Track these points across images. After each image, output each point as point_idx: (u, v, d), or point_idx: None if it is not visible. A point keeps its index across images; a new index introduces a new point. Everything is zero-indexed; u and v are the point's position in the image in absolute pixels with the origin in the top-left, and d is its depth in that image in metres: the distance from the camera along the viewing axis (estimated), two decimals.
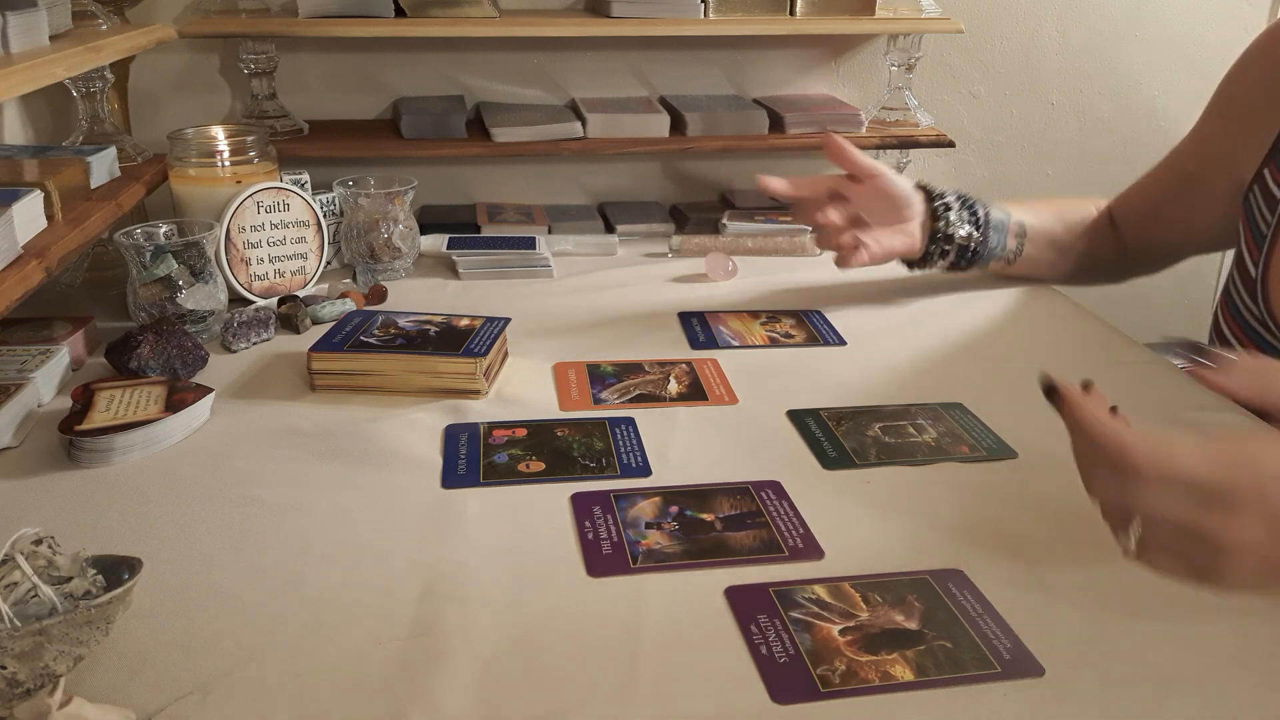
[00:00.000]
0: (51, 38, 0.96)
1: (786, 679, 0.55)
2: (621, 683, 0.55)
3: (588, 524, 0.70)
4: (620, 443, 0.81)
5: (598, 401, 0.88)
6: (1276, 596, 0.56)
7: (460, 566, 0.65)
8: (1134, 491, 0.51)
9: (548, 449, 0.80)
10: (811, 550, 0.67)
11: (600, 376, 0.93)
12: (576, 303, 1.12)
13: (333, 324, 0.97)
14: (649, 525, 0.70)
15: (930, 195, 1.05)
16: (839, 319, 1.06)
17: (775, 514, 0.71)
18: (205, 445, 0.80)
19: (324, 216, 1.14)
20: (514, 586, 0.63)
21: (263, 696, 0.54)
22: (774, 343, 1.01)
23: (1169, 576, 0.53)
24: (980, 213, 1.05)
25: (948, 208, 1.04)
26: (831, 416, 0.86)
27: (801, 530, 0.69)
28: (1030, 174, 1.60)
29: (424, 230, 1.24)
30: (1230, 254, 0.97)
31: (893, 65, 1.43)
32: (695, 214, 1.41)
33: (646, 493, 0.74)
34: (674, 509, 0.72)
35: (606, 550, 0.67)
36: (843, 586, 0.63)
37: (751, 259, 1.25)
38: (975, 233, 1.05)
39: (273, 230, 1.09)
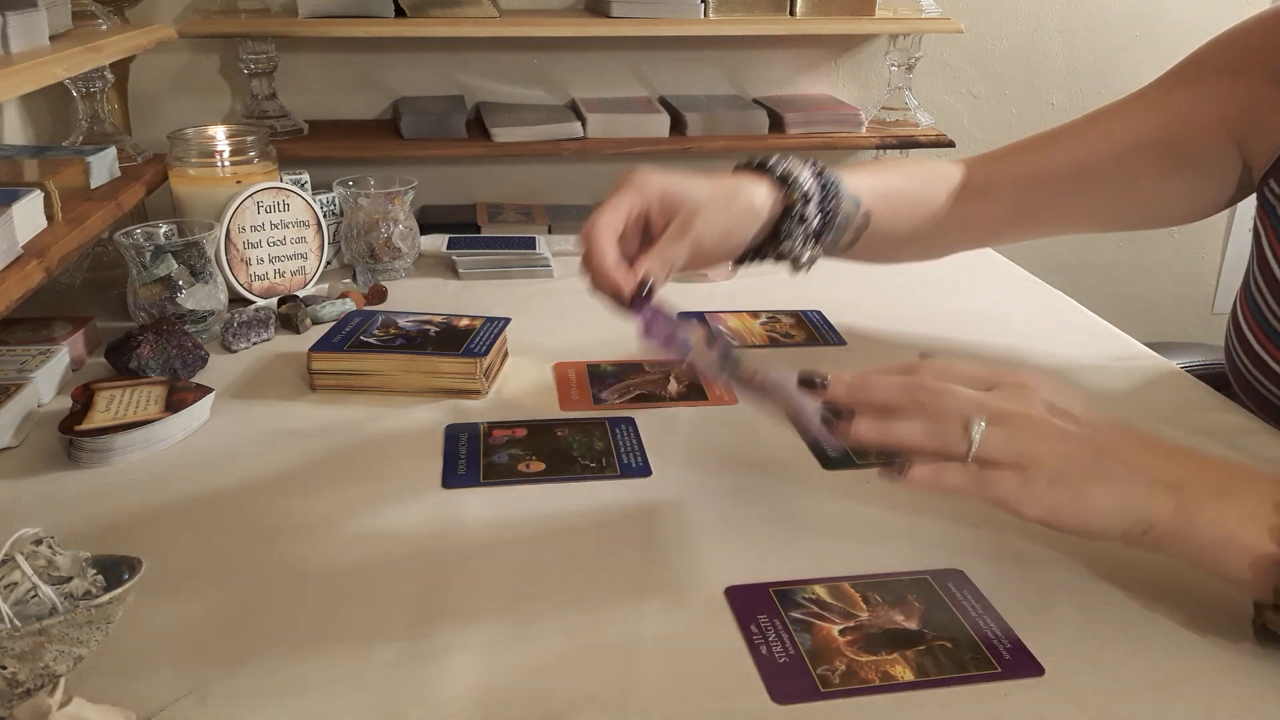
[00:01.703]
0: (51, 38, 0.96)
1: (786, 679, 0.55)
2: (621, 683, 0.55)
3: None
4: (620, 443, 0.81)
5: (598, 401, 0.88)
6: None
7: (460, 566, 0.65)
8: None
9: (548, 449, 0.80)
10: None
11: (600, 376, 0.93)
12: (576, 303, 1.12)
13: (333, 324, 0.97)
14: None
15: (755, 166, 0.82)
16: (839, 319, 1.06)
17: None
18: (205, 445, 0.80)
19: (324, 216, 1.14)
20: (514, 586, 0.63)
21: (263, 696, 0.54)
22: (774, 342, 1.01)
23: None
24: (815, 166, 0.83)
25: (785, 168, 0.81)
26: None
27: None
28: None
29: (424, 230, 1.24)
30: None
31: (893, 65, 1.44)
32: None
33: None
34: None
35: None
36: (843, 586, 0.63)
37: None
38: (825, 189, 0.81)
39: (273, 230, 1.09)
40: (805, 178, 0.81)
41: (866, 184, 0.86)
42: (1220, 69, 0.85)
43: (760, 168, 0.82)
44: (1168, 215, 0.91)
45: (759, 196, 0.79)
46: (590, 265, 0.72)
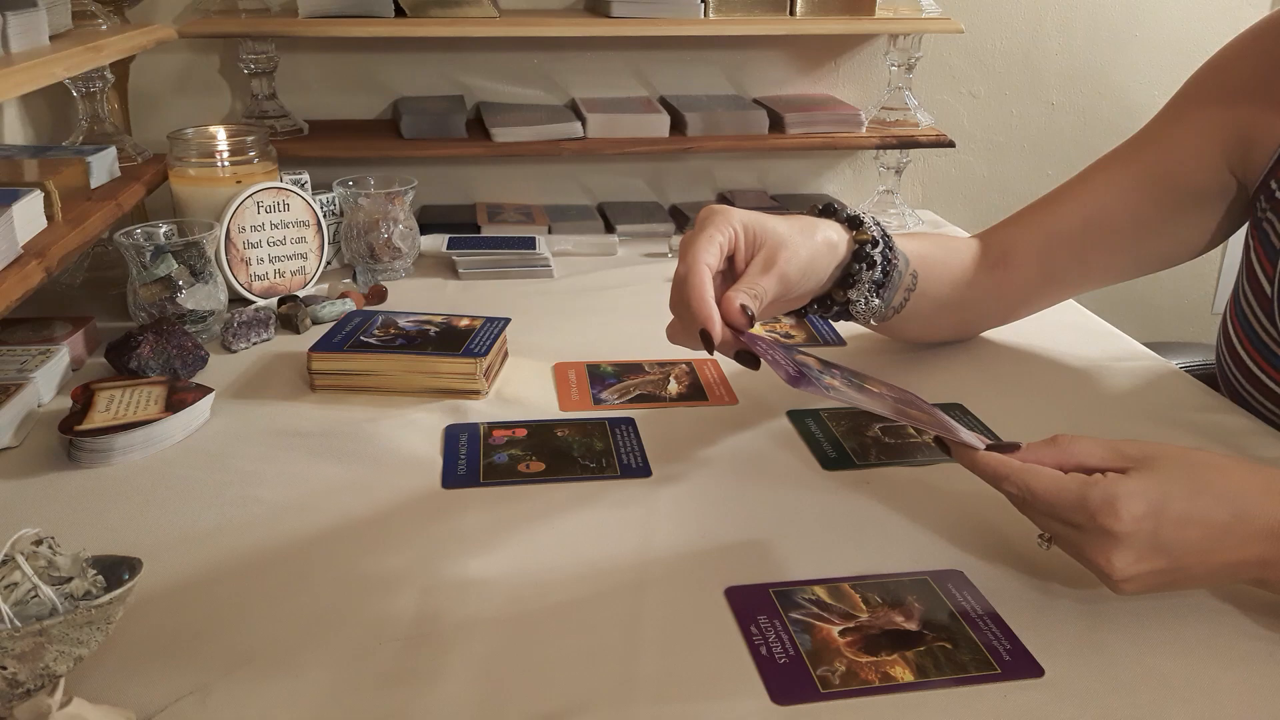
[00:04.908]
0: (51, 38, 0.96)
1: (786, 680, 0.55)
2: (621, 683, 0.55)
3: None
4: (620, 443, 0.81)
5: (598, 402, 0.88)
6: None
7: (460, 566, 0.65)
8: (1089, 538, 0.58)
9: (548, 449, 0.80)
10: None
11: (600, 377, 0.93)
12: (576, 303, 1.12)
13: (333, 324, 0.97)
14: None
15: (822, 209, 0.83)
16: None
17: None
18: (205, 445, 0.80)
19: (324, 216, 1.14)
20: (514, 586, 0.63)
21: (263, 696, 0.54)
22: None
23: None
24: (871, 216, 0.84)
25: (851, 212, 0.83)
26: (831, 417, 0.86)
27: None
28: (1030, 174, 1.60)
29: (424, 230, 1.24)
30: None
31: (893, 65, 1.43)
32: (695, 214, 1.41)
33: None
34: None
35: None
36: (842, 587, 0.63)
37: None
38: (885, 239, 0.83)
39: (273, 230, 1.09)
40: (870, 221, 0.82)
41: (906, 245, 0.86)
42: (1209, 99, 0.87)
43: (827, 211, 0.82)
44: (1184, 250, 0.91)
45: (835, 233, 0.80)
46: (691, 300, 0.68)
